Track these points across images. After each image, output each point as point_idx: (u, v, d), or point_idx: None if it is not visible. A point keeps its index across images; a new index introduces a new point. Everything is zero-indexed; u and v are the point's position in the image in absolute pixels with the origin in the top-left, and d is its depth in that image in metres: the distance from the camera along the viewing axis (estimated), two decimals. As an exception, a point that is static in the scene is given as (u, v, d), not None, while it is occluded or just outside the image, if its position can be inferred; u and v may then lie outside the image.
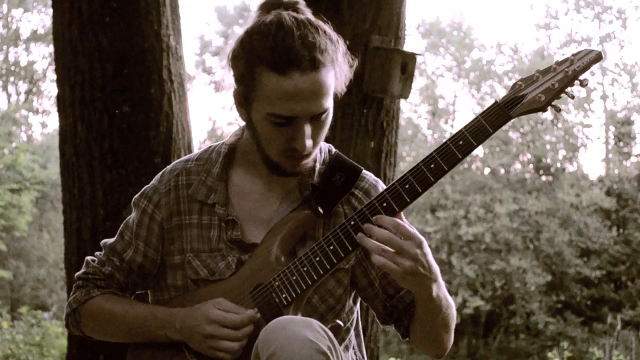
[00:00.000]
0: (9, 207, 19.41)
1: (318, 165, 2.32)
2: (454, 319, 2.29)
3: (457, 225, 22.05)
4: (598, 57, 2.10)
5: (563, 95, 2.11)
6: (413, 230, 2.09)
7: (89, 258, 2.45)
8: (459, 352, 22.57)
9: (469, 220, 21.89)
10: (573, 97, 2.12)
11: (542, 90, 2.10)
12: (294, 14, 2.17)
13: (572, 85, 2.10)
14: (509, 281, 21.63)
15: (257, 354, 2.00)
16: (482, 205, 22.08)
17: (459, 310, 21.40)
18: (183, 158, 2.43)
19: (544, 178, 23.60)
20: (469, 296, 21.52)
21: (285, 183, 2.31)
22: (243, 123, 2.32)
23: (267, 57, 2.10)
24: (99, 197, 4.66)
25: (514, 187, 22.67)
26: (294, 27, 2.11)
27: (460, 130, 2.11)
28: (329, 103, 2.16)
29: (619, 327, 13.97)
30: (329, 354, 1.96)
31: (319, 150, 2.34)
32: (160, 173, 2.41)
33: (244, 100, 2.20)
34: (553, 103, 2.11)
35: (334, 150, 2.40)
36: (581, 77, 2.10)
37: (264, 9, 2.21)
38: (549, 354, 9.43)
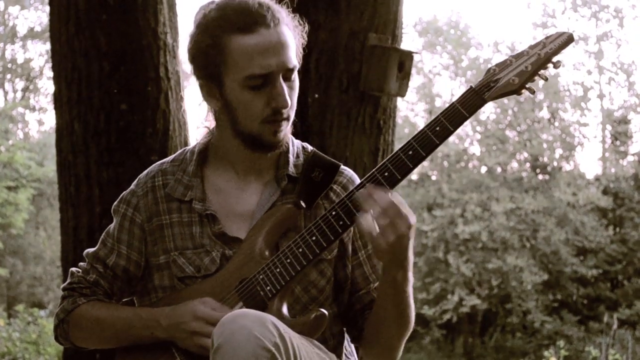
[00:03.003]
0: (6, 205, 19.38)
1: (292, 158, 2.35)
2: (409, 325, 2.31)
3: (454, 224, 22.06)
4: (569, 40, 2.16)
5: (537, 77, 2.17)
6: (407, 209, 2.12)
7: (73, 269, 2.46)
8: (455, 350, 22.60)
9: (466, 219, 21.90)
10: (546, 79, 2.18)
11: (516, 73, 2.16)
12: None
13: (545, 67, 2.17)
14: (505, 280, 21.65)
15: (212, 343, 2.01)
16: (479, 204, 22.09)
17: (455, 308, 21.44)
18: (158, 162, 2.45)
19: (540, 177, 23.63)
20: (466, 295, 21.55)
21: (260, 176, 2.34)
22: (211, 126, 2.36)
23: (230, 23, 2.18)
24: (95, 195, 4.65)
25: (511, 186, 22.68)
26: None
27: (437, 117, 2.15)
28: (296, 60, 2.23)
29: (615, 326, 13.97)
30: (274, 350, 1.95)
31: (291, 142, 2.37)
32: (137, 178, 2.44)
33: (213, 81, 2.24)
34: (527, 85, 2.16)
35: (309, 147, 2.42)
36: (554, 59, 2.15)
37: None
38: (546, 353, 9.43)
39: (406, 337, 2.33)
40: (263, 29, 2.17)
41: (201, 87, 2.28)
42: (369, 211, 2.11)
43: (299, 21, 2.29)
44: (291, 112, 2.26)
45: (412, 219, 2.12)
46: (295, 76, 2.25)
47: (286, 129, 2.26)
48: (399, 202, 2.12)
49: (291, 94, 2.24)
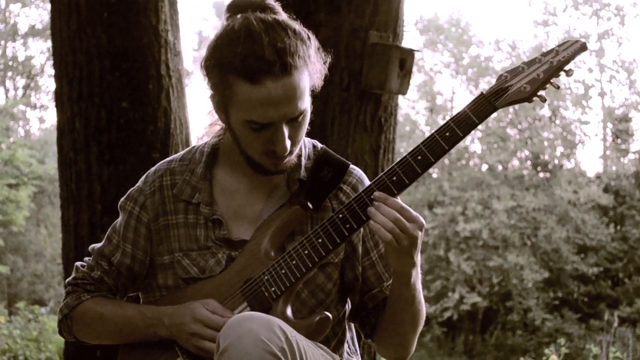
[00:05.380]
0: (7, 202, 19.37)
1: (304, 160, 2.33)
2: (422, 320, 2.32)
3: (455, 222, 22.05)
4: (582, 48, 2.14)
5: (548, 85, 2.16)
6: (415, 213, 2.13)
7: (78, 264, 2.46)
8: (456, 348, 22.60)
9: (467, 217, 21.89)
10: (558, 87, 2.17)
11: (528, 80, 2.15)
12: (262, 15, 2.16)
13: (557, 75, 2.16)
14: (506, 278, 21.64)
15: (218, 345, 2.01)
16: (480, 202, 22.08)
17: (456, 306, 21.44)
18: (167, 159, 2.44)
19: (541, 175, 23.61)
20: (466, 292, 21.54)
21: (271, 179, 2.32)
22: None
23: (237, 66, 2.11)
24: (96, 192, 4.66)
25: (512, 184, 22.66)
26: (262, 32, 2.11)
27: (447, 122, 2.14)
28: (304, 104, 2.17)
29: (615, 323, 13.99)
30: (280, 355, 1.96)
31: (303, 145, 2.34)
32: (145, 175, 2.42)
33: (222, 105, 2.21)
34: (539, 93, 2.15)
35: (319, 145, 2.40)
36: (566, 68, 2.14)
37: (233, 10, 2.21)
38: (546, 351, 9.45)
39: (420, 330, 2.34)
40: (269, 81, 2.09)
41: (212, 99, 2.25)
42: (386, 221, 2.11)
43: (324, 54, 2.24)
44: (294, 148, 2.22)
45: (422, 220, 2.14)
46: (304, 115, 2.19)
47: (290, 157, 2.24)
48: (403, 207, 2.12)
49: (295, 134, 2.19)
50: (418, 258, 2.18)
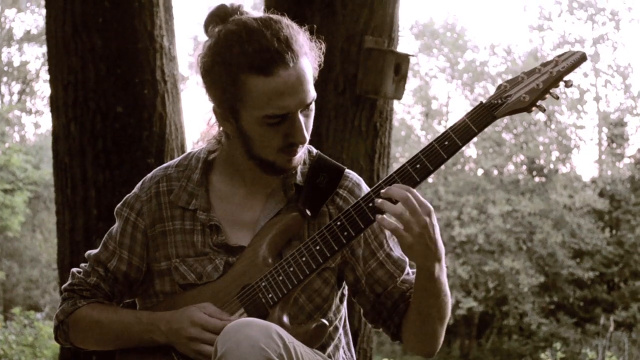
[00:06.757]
0: (2, 208, 19.37)
1: (299, 166, 2.32)
2: (449, 311, 2.29)
3: (451, 226, 22.07)
4: (582, 59, 2.14)
5: (548, 95, 2.14)
6: (422, 199, 2.10)
7: (74, 270, 2.45)
8: (451, 353, 22.60)
9: (462, 221, 21.92)
10: (557, 98, 2.15)
11: (527, 90, 2.13)
12: (252, 15, 2.18)
13: (556, 86, 2.14)
14: (502, 282, 21.67)
15: (215, 351, 2.01)
16: (476, 207, 22.11)
17: (452, 311, 21.45)
18: (163, 165, 2.42)
19: (537, 179, 23.66)
20: (462, 297, 21.56)
21: (267, 185, 2.31)
22: (219, 136, 2.32)
23: (247, 62, 2.11)
24: (92, 197, 4.65)
25: (507, 189, 22.71)
26: (261, 27, 2.13)
27: (446, 131, 2.13)
28: (313, 90, 2.19)
29: (611, 328, 14.02)
30: None
31: None
32: (141, 181, 2.41)
33: (229, 112, 2.20)
34: (538, 103, 2.13)
35: (314, 151, 2.39)
36: (566, 78, 2.13)
37: (215, 21, 2.21)
38: (542, 355, 9.45)
39: (447, 321, 2.31)
40: (282, 70, 2.11)
41: (215, 111, 2.24)
42: (393, 209, 2.09)
43: (316, 42, 2.25)
44: (307, 139, 2.23)
45: (429, 205, 2.11)
46: (313, 103, 2.21)
47: (301, 153, 2.24)
48: (409, 196, 2.10)
49: (308, 124, 2.21)
50: (441, 251, 2.14)
